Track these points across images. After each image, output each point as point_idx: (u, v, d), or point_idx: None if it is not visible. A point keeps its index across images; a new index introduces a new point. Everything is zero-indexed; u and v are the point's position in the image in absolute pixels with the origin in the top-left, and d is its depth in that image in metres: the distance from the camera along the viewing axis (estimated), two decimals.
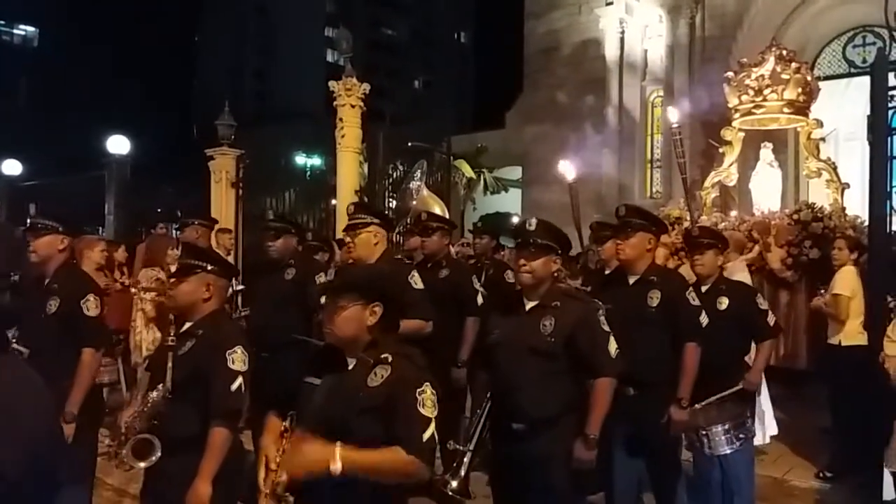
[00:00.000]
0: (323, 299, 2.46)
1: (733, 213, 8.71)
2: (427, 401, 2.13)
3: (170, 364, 2.61)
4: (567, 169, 5.84)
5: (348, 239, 4.29)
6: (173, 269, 5.07)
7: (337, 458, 2.06)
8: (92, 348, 3.47)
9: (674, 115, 5.97)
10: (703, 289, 4.03)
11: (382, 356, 2.24)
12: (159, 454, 2.58)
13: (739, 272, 5.64)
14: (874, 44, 10.66)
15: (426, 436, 2.09)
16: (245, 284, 5.69)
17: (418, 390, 2.14)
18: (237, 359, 2.64)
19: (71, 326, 3.46)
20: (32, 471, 1.55)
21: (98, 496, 4.74)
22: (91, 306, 3.52)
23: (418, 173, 6.63)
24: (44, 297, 3.48)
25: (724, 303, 3.98)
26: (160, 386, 2.61)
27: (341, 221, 7.89)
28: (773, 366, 4.19)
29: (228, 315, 3.50)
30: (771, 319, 4.16)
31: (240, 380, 2.62)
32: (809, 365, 6.86)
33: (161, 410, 2.62)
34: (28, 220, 3.62)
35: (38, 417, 1.64)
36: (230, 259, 6.38)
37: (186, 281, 2.76)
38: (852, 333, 5.06)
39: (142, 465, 2.59)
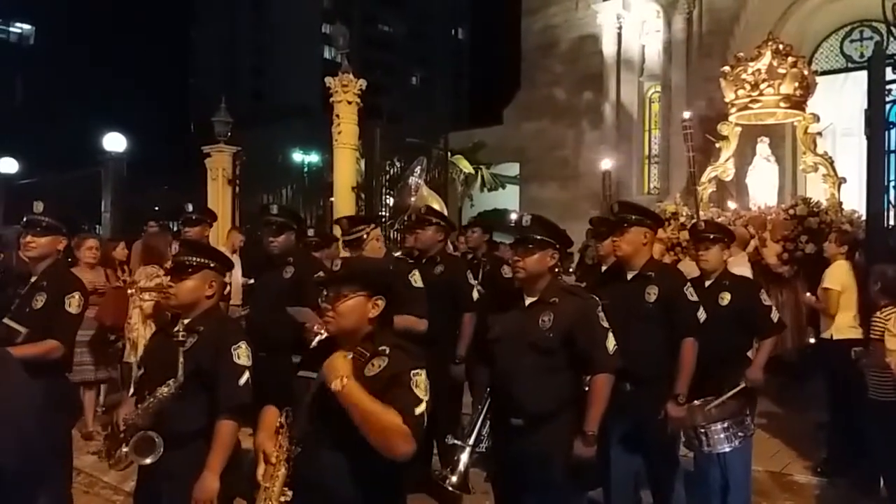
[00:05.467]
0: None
1: (733, 206, 8.71)
2: (420, 383, 2.17)
3: (181, 360, 2.59)
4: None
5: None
6: None
7: (345, 380, 2.10)
8: (58, 342, 3.39)
9: (687, 112, 6.26)
10: (707, 283, 4.01)
11: (380, 348, 2.25)
12: (161, 451, 2.57)
13: (740, 266, 5.64)
14: (872, 38, 10.66)
15: (418, 410, 2.12)
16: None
17: (413, 372, 2.18)
18: (242, 354, 2.65)
19: (52, 322, 3.42)
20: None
21: (95, 494, 4.75)
22: (74, 303, 3.47)
23: (418, 169, 6.53)
24: (29, 293, 3.43)
25: (726, 298, 3.94)
26: (170, 381, 2.59)
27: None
28: (770, 358, 4.17)
29: (225, 311, 3.49)
30: (774, 316, 4.11)
31: (247, 374, 2.64)
32: (801, 359, 6.86)
33: (164, 406, 2.61)
34: (29, 217, 3.56)
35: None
36: (235, 258, 6.38)
37: (190, 278, 2.75)
38: (844, 327, 5.05)
39: (147, 461, 2.58)
